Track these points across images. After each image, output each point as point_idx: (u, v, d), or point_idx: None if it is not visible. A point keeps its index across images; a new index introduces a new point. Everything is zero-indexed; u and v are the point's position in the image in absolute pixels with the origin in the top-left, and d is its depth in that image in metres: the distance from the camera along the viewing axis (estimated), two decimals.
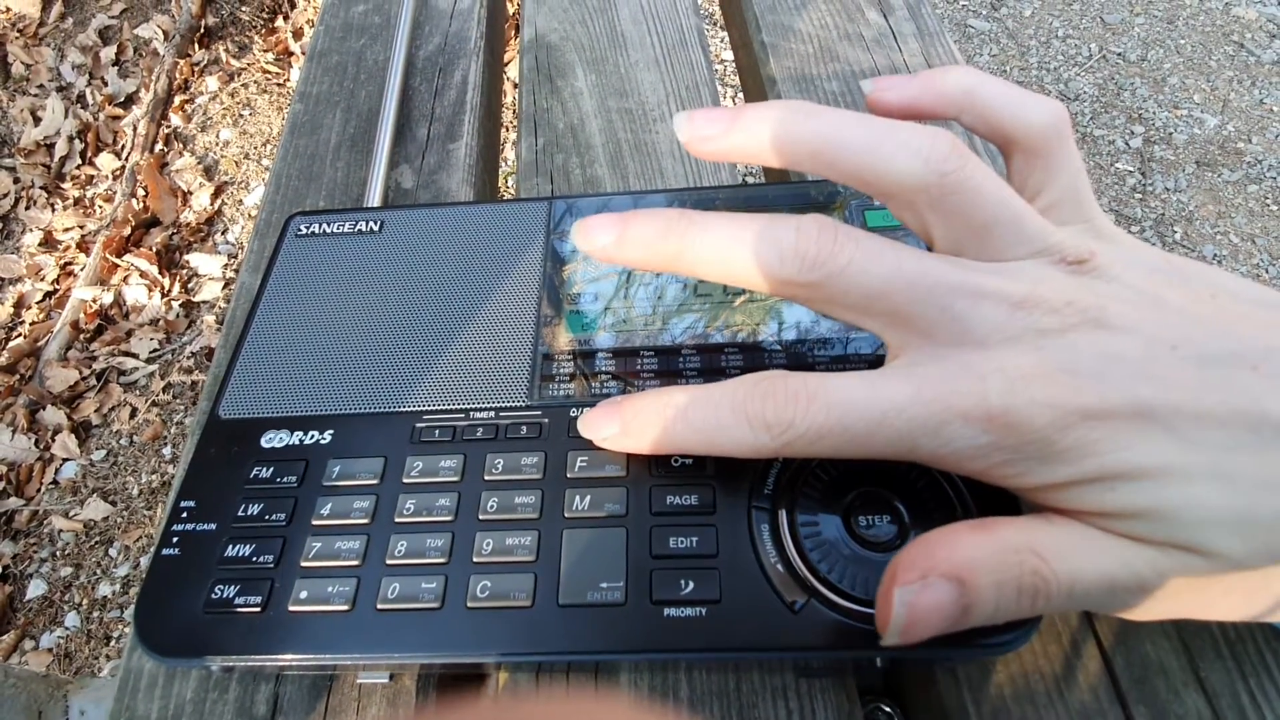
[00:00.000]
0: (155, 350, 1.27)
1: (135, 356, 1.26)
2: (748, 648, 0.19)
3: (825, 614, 0.19)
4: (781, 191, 0.30)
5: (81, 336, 1.28)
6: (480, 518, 0.22)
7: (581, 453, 0.23)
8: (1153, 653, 0.22)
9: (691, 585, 0.20)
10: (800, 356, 0.25)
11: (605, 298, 0.27)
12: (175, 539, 0.22)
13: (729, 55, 1.47)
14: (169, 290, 1.33)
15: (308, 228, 0.30)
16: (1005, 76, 1.51)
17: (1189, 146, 1.37)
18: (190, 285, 1.35)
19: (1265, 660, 0.22)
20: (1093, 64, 1.53)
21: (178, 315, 1.31)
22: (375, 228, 0.30)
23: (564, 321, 0.27)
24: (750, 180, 1.11)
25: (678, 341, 0.25)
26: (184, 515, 0.23)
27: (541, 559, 0.21)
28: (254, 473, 0.23)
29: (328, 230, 0.30)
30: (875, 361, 0.24)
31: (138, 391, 1.24)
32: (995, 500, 0.20)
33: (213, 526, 0.23)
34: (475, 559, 0.21)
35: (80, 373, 1.24)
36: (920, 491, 0.21)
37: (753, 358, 0.25)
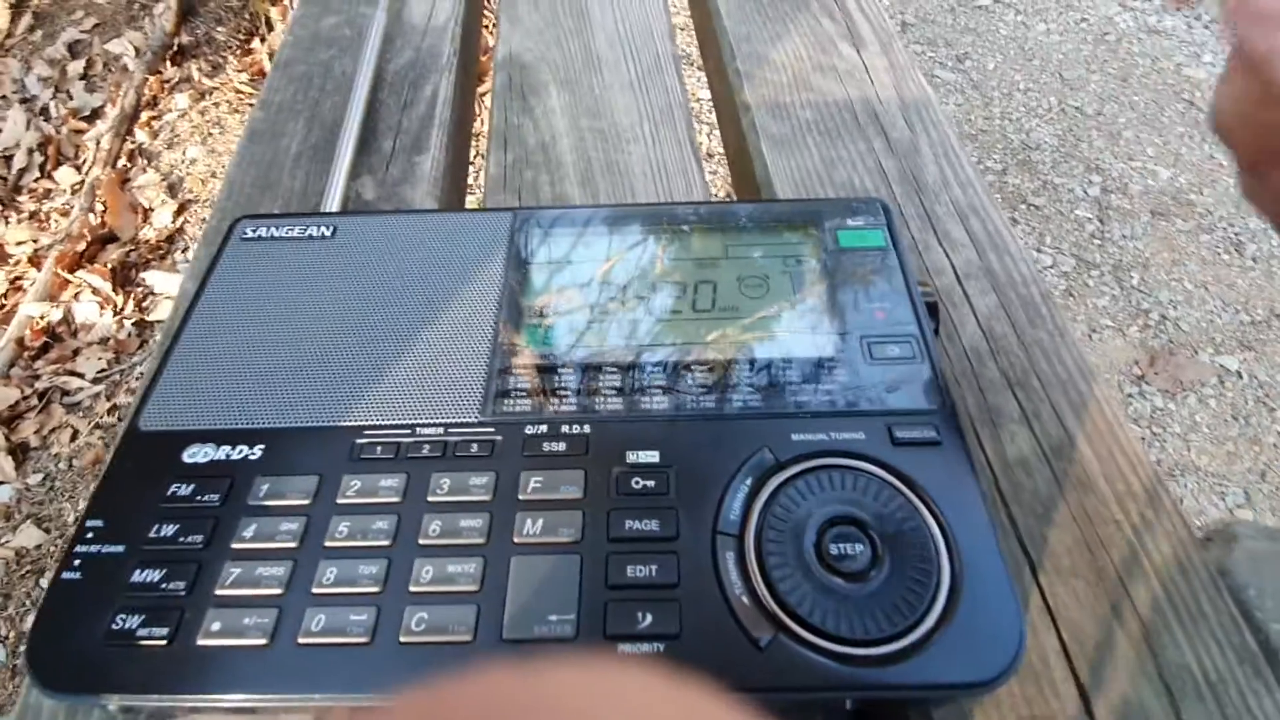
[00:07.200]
0: (102, 370, 1.22)
1: (81, 376, 1.21)
2: None
3: (794, 650, 0.18)
4: (750, 210, 0.29)
5: (26, 354, 1.22)
6: (420, 542, 0.20)
7: (536, 473, 0.21)
8: (1134, 695, 0.21)
9: (649, 618, 0.18)
10: (762, 368, 0.24)
11: (567, 311, 0.26)
12: (77, 561, 0.20)
13: (696, 82, 1.49)
14: (122, 308, 1.28)
15: (254, 231, 0.28)
16: (969, 125, 1.56)
17: (1144, 196, 1.43)
18: (145, 304, 1.30)
19: (1247, 702, 0.21)
20: (1052, 115, 1.59)
21: (129, 334, 1.26)
22: (327, 233, 0.28)
23: (523, 335, 0.25)
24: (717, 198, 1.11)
25: (640, 358, 0.24)
26: (90, 536, 0.21)
27: (486, 588, 0.19)
28: (172, 490, 0.21)
29: (275, 234, 0.28)
30: (834, 363, 0.24)
31: (81, 413, 1.18)
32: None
33: (121, 548, 0.20)
34: (412, 588, 0.19)
35: (22, 392, 1.18)
36: (899, 522, 0.20)
37: (717, 374, 0.24)
